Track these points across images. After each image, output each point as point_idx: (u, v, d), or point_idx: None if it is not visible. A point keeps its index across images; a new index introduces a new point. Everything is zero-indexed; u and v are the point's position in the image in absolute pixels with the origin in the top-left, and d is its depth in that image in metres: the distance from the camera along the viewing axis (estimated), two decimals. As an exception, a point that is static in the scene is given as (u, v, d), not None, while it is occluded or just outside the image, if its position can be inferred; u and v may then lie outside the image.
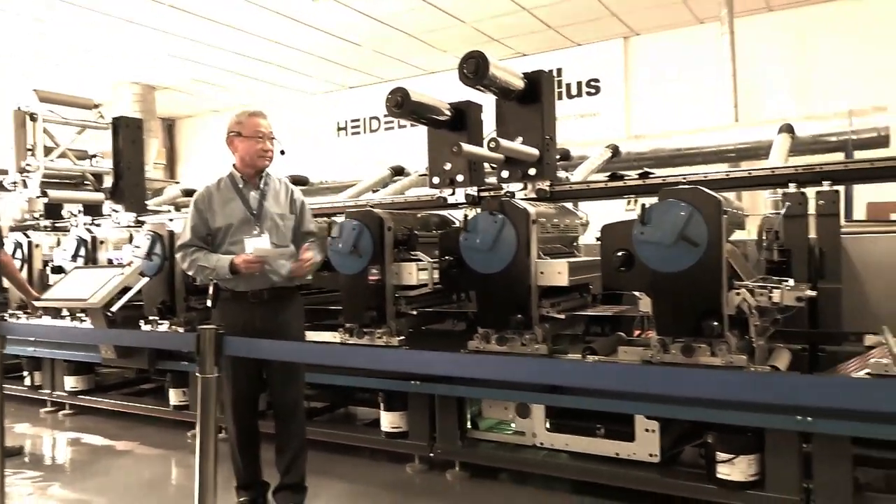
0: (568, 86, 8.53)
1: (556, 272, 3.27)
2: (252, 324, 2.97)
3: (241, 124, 3.08)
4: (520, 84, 3.73)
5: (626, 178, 3.89)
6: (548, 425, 3.40)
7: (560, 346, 3.57)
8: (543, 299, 3.35)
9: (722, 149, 5.50)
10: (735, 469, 2.78)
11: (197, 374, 2.21)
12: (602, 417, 3.21)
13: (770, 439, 2.76)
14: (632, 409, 3.03)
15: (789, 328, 3.38)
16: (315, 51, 8.75)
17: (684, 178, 3.51)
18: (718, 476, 2.83)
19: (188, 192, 6.42)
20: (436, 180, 4.15)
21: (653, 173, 3.82)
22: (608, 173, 4.15)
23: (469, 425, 3.65)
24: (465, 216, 3.47)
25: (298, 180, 5.95)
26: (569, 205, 4.44)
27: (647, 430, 3.09)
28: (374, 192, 5.64)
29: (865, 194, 5.70)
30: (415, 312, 3.82)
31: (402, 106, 3.72)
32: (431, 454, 3.61)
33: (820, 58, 7.12)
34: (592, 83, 8.43)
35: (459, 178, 4.06)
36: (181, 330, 4.28)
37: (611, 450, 3.20)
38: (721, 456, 2.82)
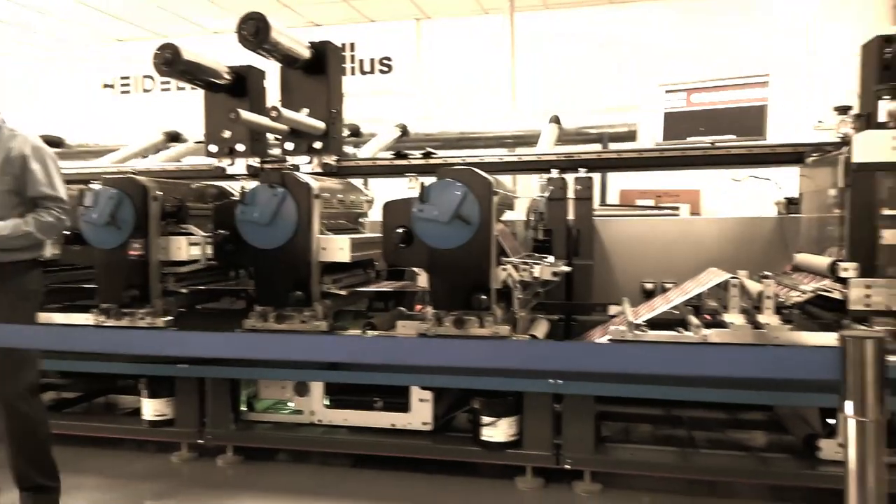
0: (361, 61, 8.47)
1: (337, 248, 3.24)
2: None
3: None
4: (305, 53, 3.61)
5: (411, 157, 3.97)
6: (326, 402, 3.38)
7: (342, 322, 3.57)
8: (325, 275, 3.30)
9: (500, 135, 5.84)
10: (497, 431, 3.01)
11: None
12: (379, 391, 3.27)
13: (527, 402, 3.02)
14: (408, 380, 3.13)
15: (549, 300, 3.73)
16: (76, -6, 7.67)
17: (463, 160, 3.67)
18: (483, 438, 3.03)
19: None
20: (213, 149, 3.89)
21: (435, 154, 3.95)
22: (395, 151, 4.21)
23: (244, 408, 3.50)
24: (243, 188, 3.28)
25: (51, 141, 5.19)
26: (358, 182, 4.43)
27: (421, 401, 3.21)
28: (143, 157, 5.13)
29: (620, 182, 6.46)
30: (185, 290, 3.54)
31: (172, 64, 3.42)
32: (201, 441, 3.41)
33: (586, 56, 7.88)
34: (385, 61, 8.47)
35: (240, 147, 3.85)
36: None
37: (388, 421, 3.27)
38: (485, 420, 3.02)
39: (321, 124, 3.67)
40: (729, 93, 3.69)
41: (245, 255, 3.24)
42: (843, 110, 2.93)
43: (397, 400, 3.25)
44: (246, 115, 3.27)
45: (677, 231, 4.12)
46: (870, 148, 2.58)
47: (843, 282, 2.66)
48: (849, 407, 1.39)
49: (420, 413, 3.22)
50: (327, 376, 3.26)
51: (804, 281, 2.99)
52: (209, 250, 3.38)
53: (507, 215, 3.86)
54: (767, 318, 2.81)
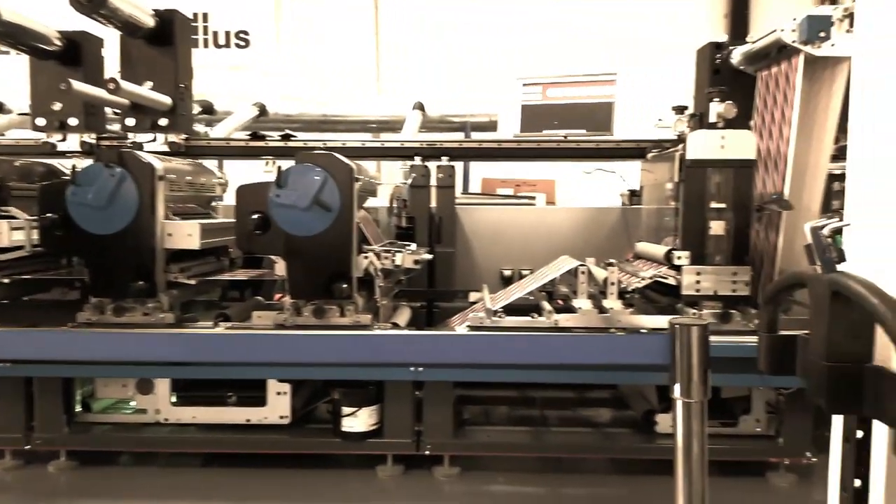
0: (215, 34, 7.92)
1: (185, 234, 3.02)
2: None
3: None
4: (149, 21, 3.34)
5: (269, 138, 3.81)
6: (174, 399, 3.17)
7: (192, 313, 3.36)
8: (172, 264, 3.08)
9: (364, 119, 5.76)
10: (358, 421, 2.98)
11: None
12: (233, 385, 3.12)
13: (388, 390, 3.01)
14: (264, 373, 3.01)
15: (412, 288, 3.75)
16: None
17: (324, 144, 3.58)
18: (343, 429, 2.99)
19: None
20: (41, 122, 3.50)
21: (295, 136, 3.82)
22: (251, 132, 4.02)
23: (79, 408, 3.20)
24: (74, 167, 2.97)
25: None
26: (212, 163, 4.18)
27: (278, 394, 3.10)
28: (-45, 129, 4.51)
29: (482, 170, 6.60)
30: (7, 280, 3.15)
31: (-12, 24, 3.00)
32: (29, 447, 3.07)
33: (451, 44, 7.96)
34: (242, 35, 7.99)
35: (72, 121, 3.49)
36: None
37: (242, 417, 3.12)
38: (346, 410, 2.98)
39: (167, 100, 3.42)
40: (580, 89, 3.89)
41: (77, 242, 2.93)
42: (679, 110, 3.17)
43: (253, 394, 3.12)
44: (79, 85, 2.95)
45: (534, 219, 4.28)
46: (701, 146, 2.80)
47: (678, 269, 2.89)
48: (677, 389, 1.51)
49: (277, 406, 3.10)
50: (174, 372, 3.05)
51: (644, 268, 3.22)
52: (35, 236, 3.03)
53: (370, 202, 3.82)
54: (612, 302, 3.00)
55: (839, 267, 1.20)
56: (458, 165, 4.29)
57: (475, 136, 5.73)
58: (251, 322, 3.00)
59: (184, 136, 3.55)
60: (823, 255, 1.18)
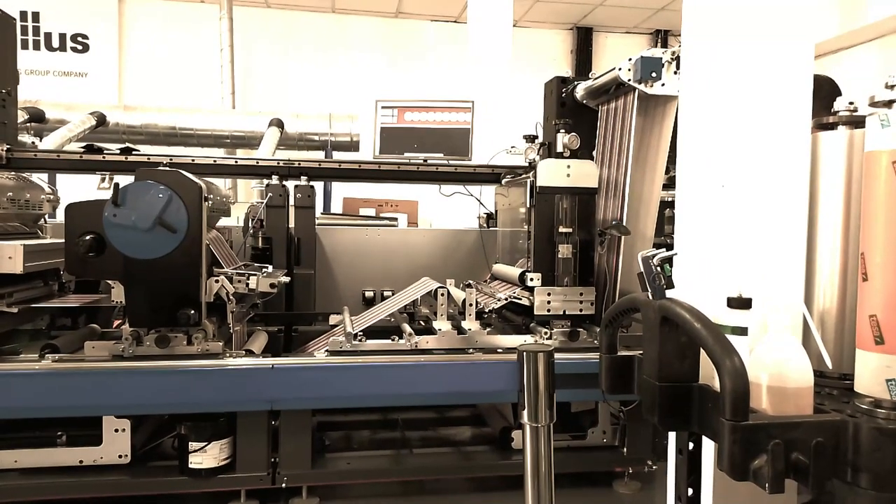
0: (48, 35, 7.20)
1: (5, 257, 2.70)
2: None
3: None
4: (-38, 18, 2.98)
5: (107, 151, 3.52)
6: (-11, 443, 2.80)
7: (15, 343, 3.01)
8: (-11, 290, 2.74)
9: (218, 133, 5.52)
10: (207, 456, 2.78)
11: None
12: (63, 422, 2.81)
13: (242, 422, 2.85)
14: (99, 410, 2.74)
15: (269, 311, 3.61)
16: None
17: (170, 160, 3.36)
18: (191, 466, 2.79)
19: None
20: None
21: (137, 150, 3.57)
22: (86, 144, 3.69)
23: None
24: None
25: None
26: (42, 177, 3.78)
27: (116, 431, 2.83)
28: None
29: (344, 190, 6.54)
30: None
31: None
32: None
33: (307, 60, 7.85)
34: (80, 38, 7.35)
35: None
36: None
37: (74, 458, 2.82)
38: (193, 445, 2.78)
39: (-15, 107, 3.06)
40: (438, 114, 3.98)
41: None
42: (530, 139, 3.33)
43: (86, 432, 2.82)
44: None
45: (396, 240, 4.29)
46: (550, 174, 2.95)
47: (531, 290, 3.02)
48: (525, 415, 1.56)
49: (115, 445, 2.83)
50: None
51: (500, 289, 3.33)
52: None
53: (223, 221, 3.64)
54: (470, 323, 3.06)
55: (668, 293, 1.30)
56: (319, 185, 4.22)
57: (336, 155, 5.68)
58: (84, 353, 2.73)
59: (6, 146, 3.21)
60: (653, 282, 1.28)
